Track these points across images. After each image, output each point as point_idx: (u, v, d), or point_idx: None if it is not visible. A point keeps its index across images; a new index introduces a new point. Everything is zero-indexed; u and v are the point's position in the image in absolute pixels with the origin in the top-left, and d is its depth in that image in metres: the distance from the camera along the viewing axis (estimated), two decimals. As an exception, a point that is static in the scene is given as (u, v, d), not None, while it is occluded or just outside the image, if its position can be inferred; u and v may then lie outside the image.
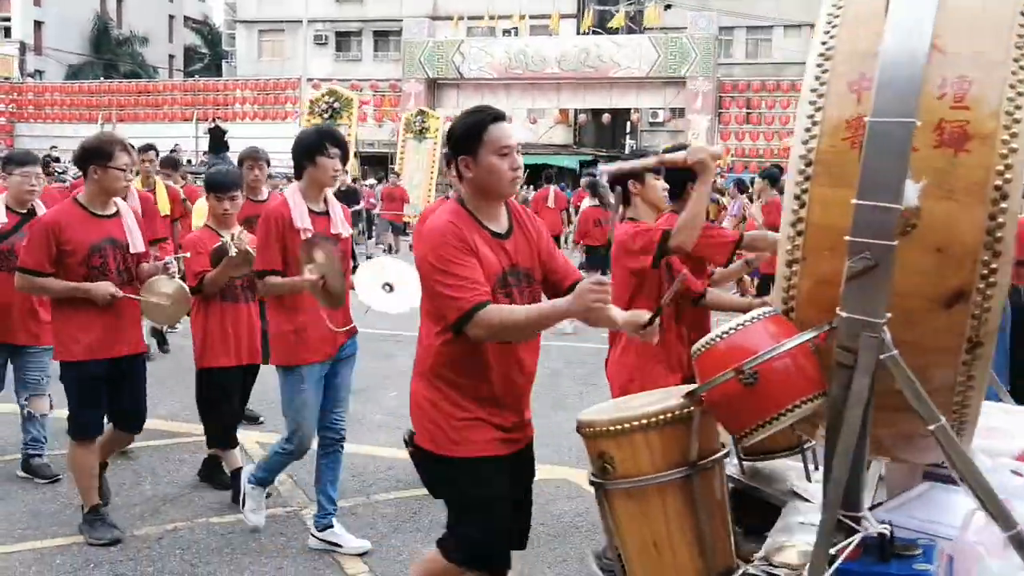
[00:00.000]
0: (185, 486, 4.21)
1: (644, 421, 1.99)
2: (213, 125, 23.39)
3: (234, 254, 3.74)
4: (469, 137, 2.28)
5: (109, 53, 37.15)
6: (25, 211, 4.22)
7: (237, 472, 3.97)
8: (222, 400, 4.04)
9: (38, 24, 35.32)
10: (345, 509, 3.86)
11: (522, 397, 2.40)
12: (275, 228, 3.37)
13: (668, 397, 2.12)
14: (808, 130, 1.89)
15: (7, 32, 34.49)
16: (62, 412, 4.53)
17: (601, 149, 29.53)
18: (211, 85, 28.53)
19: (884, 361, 1.70)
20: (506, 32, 27.37)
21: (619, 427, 2.00)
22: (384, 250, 15.05)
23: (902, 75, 1.66)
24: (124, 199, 4.27)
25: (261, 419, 5.12)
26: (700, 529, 1.99)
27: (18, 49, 32.88)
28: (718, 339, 1.92)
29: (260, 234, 3.42)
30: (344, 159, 3.52)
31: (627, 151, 26.87)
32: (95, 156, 3.52)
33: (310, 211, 3.43)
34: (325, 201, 3.53)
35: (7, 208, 4.20)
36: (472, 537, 2.36)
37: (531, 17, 26.51)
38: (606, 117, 26.33)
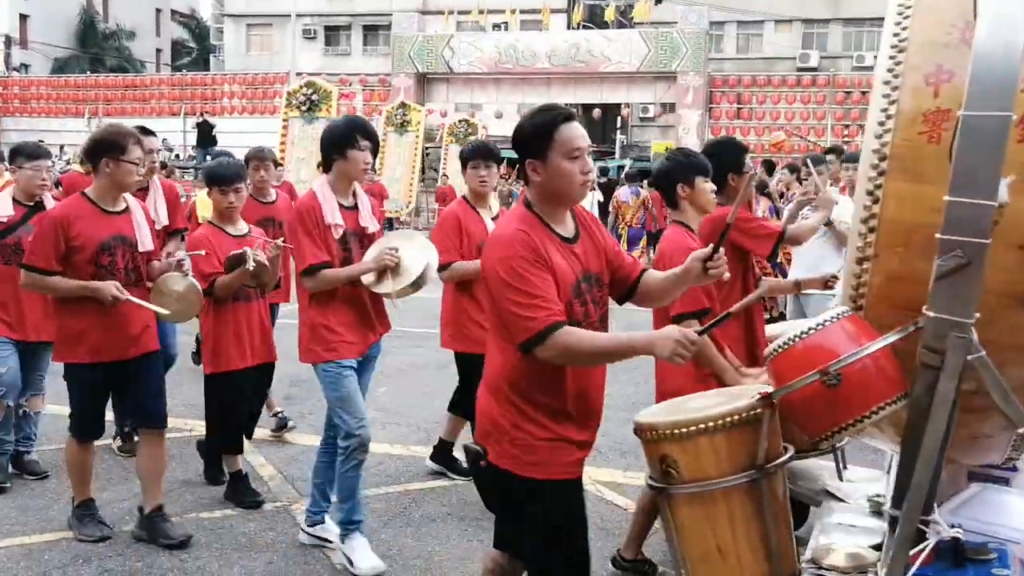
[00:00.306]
0: (174, 482, 4.18)
1: (710, 424, 1.94)
2: (201, 120, 23.30)
3: (252, 267, 3.65)
4: (538, 138, 2.14)
5: (95, 47, 36.84)
6: (32, 204, 4.10)
7: (237, 475, 4.02)
8: (239, 403, 3.97)
9: (23, 17, 34.95)
10: (336, 504, 3.86)
11: (598, 415, 2.29)
12: (310, 220, 3.25)
13: (731, 399, 2.08)
14: (881, 124, 1.84)
15: (-8, 26, 34.13)
16: (53, 407, 4.53)
17: (592, 144, 29.43)
18: (199, 79, 28.33)
19: (971, 362, 1.66)
20: (496, 26, 27.31)
21: (684, 430, 1.96)
22: None
23: (997, 68, 1.60)
24: (146, 189, 4.23)
25: (292, 424, 5.01)
26: (767, 534, 1.96)
27: (3, 43, 32.57)
28: (795, 340, 1.87)
29: (298, 230, 3.27)
30: (375, 151, 3.41)
31: (618, 146, 26.90)
32: (108, 149, 3.38)
33: (340, 206, 3.33)
34: (354, 195, 3.42)
35: (14, 200, 4.09)
36: (559, 565, 2.24)
37: (521, 11, 26.43)
38: (596, 112, 26.30)
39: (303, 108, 12.49)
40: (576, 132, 2.15)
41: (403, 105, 18.67)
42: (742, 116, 24.39)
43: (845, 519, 2.74)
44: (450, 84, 26.62)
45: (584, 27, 26.78)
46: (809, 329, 1.87)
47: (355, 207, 3.41)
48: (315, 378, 3.44)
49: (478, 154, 4.07)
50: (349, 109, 21.42)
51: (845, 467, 2.76)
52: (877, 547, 2.51)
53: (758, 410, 1.92)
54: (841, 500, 2.89)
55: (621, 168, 18.60)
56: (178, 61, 41.85)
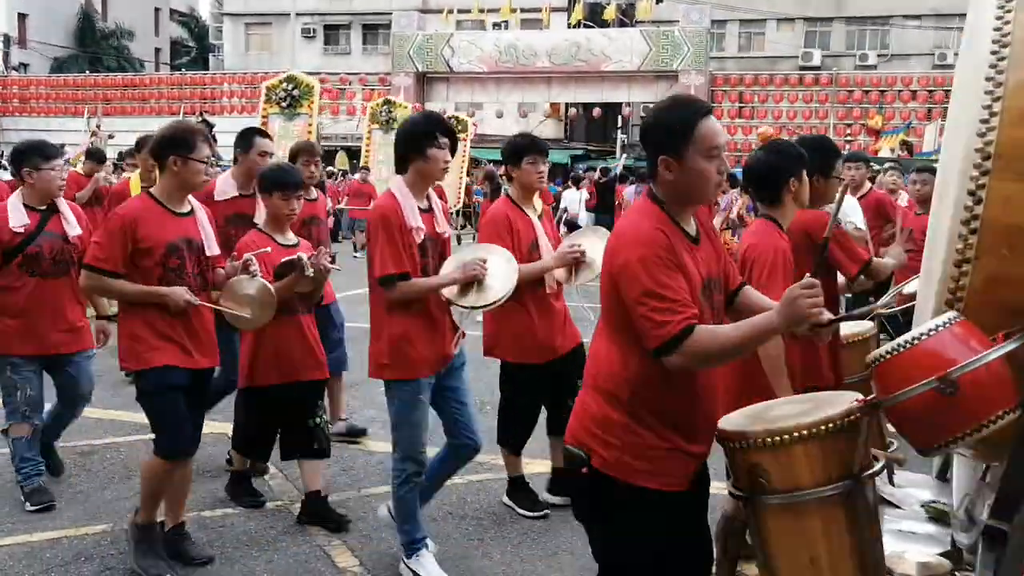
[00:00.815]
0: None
1: (804, 432, 1.88)
2: (200, 119, 23.29)
3: (311, 273, 3.46)
4: (674, 134, 1.99)
5: (94, 46, 36.82)
6: (45, 207, 3.87)
7: (241, 474, 3.99)
8: (272, 421, 3.76)
9: (22, 17, 34.93)
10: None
11: (715, 425, 2.14)
12: (394, 224, 3.05)
13: (819, 405, 2.01)
14: (985, 121, 1.78)
15: (-10, 25, 34.15)
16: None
17: (592, 143, 29.55)
18: (198, 79, 28.34)
19: None
20: (496, 25, 27.28)
21: (776, 439, 1.89)
22: (353, 251, 14.78)
23: None
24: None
25: (367, 430, 4.91)
26: (861, 545, 1.91)
27: (2, 42, 32.56)
28: (904, 347, 1.80)
29: (379, 234, 3.06)
30: (453, 150, 3.22)
31: (619, 145, 26.90)
32: (175, 146, 3.18)
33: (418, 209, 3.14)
34: (427, 198, 3.23)
35: (25, 206, 3.82)
36: None
37: (522, 10, 26.41)
38: (596, 111, 26.33)
39: (283, 104, 11.46)
40: (716, 128, 2.01)
41: (388, 102, 17.82)
42: (744, 115, 24.41)
43: (904, 526, 2.72)
44: (450, 83, 26.61)
45: (585, 26, 26.77)
46: (921, 335, 1.79)
47: (430, 210, 3.21)
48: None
49: (535, 148, 3.80)
50: (332, 108, 20.67)
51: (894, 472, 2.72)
52: (944, 555, 2.50)
53: (852, 418, 1.87)
54: (896, 506, 2.85)
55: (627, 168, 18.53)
56: (177, 60, 41.85)
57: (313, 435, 3.69)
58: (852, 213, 5.54)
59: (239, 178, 4.13)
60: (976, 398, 1.72)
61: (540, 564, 3.42)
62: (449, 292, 3.17)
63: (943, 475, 3.29)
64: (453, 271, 3.17)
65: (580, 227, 17.28)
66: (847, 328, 3.41)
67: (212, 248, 3.33)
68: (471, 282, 3.17)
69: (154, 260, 3.15)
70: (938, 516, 2.94)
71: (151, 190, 3.33)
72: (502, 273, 3.25)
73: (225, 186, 4.09)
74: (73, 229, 3.86)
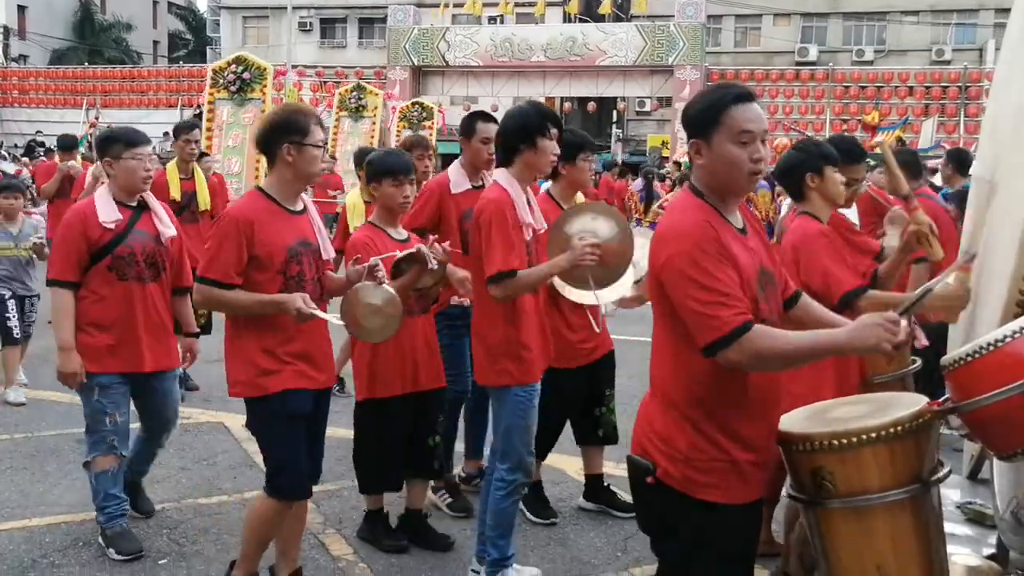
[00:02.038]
0: (171, 467, 4.26)
1: (873, 435, 1.81)
2: (198, 111, 23.26)
3: (435, 267, 3.13)
4: (704, 116, 1.94)
5: (93, 39, 36.75)
6: (135, 203, 3.41)
7: (412, 514, 3.48)
8: (396, 436, 3.35)
9: (21, 8, 34.88)
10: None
11: (775, 431, 2.02)
12: (510, 219, 2.87)
13: (881, 407, 1.97)
14: None
15: (-10, 16, 34.09)
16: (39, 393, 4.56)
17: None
18: (195, 71, 28.29)
19: None
20: (492, 19, 27.31)
21: (844, 441, 1.82)
22: None
23: None
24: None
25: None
26: (928, 551, 1.86)
27: (2, 33, 32.50)
28: (987, 350, 1.77)
29: (492, 229, 2.85)
30: (559, 142, 3.05)
31: (614, 140, 26.93)
32: (287, 132, 2.75)
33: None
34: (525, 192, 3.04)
35: (116, 202, 3.36)
36: None
37: (517, 4, 26.42)
38: (591, 106, 26.34)
39: (232, 88, 10.16)
40: (750, 114, 1.92)
41: (359, 87, 16.37)
42: (739, 110, 24.41)
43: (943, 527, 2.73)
44: (445, 77, 26.63)
45: (580, 20, 26.79)
46: (1004, 337, 1.75)
47: (529, 204, 3.02)
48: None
49: (589, 145, 3.62)
50: (328, 102, 19.65)
51: None
52: (990, 557, 2.49)
53: (921, 420, 1.82)
54: None
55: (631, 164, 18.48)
56: (175, 53, 41.77)
57: (434, 453, 3.43)
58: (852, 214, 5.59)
59: (467, 167, 3.70)
60: None
61: (532, 555, 3.47)
62: (561, 285, 3.00)
63: (974, 476, 3.25)
64: (560, 257, 2.92)
65: None
66: None
67: (328, 251, 2.92)
68: (583, 272, 2.92)
69: (274, 269, 2.74)
70: (976, 518, 2.89)
71: (261, 185, 2.88)
72: (624, 256, 2.99)
73: (458, 177, 3.71)
74: (167, 229, 3.42)
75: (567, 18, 27.60)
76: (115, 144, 3.35)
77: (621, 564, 3.41)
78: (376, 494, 3.49)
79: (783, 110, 24.07)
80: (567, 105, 28.12)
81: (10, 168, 14.49)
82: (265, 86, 10.08)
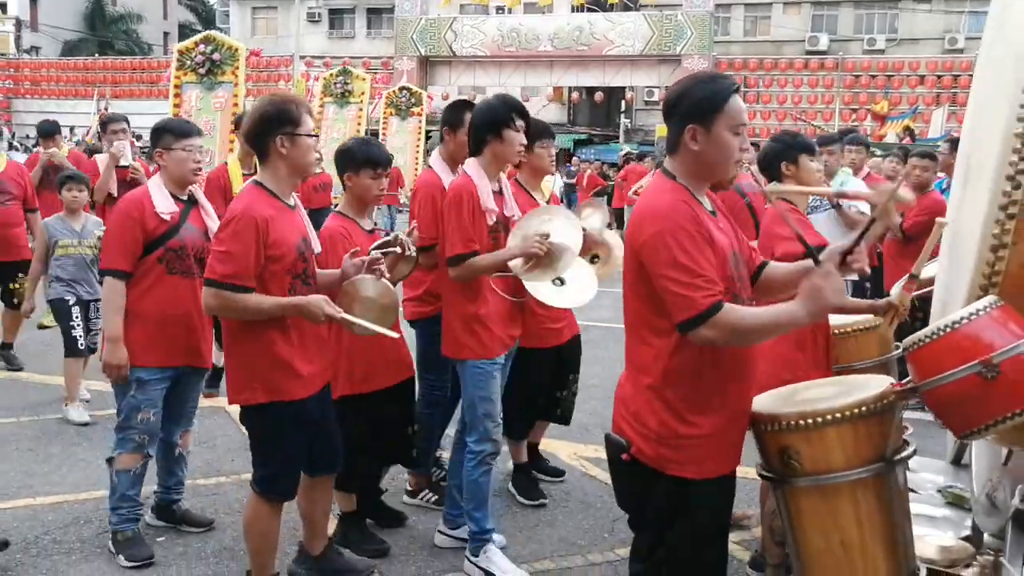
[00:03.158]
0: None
1: (838, 415, 1.86)
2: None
3: (413, 253, 3.15)
4: (707, 104, 2.00)
5: (104, 30, 37.00)
6: (186, 197, 3.33)
7: (351, 516, 3.39)
8: (378, 429, 3.30)
9: (34, 1, 35.16)
10: (466, 514, 3.81)
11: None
12: (468, 205, 3.00)
13: (850, 388, 2.01)
14: None
15: (3, 8, 34.34)
16: (36, 375, 4.51)
17: (595, 128, 29.51)
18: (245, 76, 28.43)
19: None
20: (499, 9, 27.25)
21: (810, 421, 1.87)
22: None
23: None
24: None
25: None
26: (892, 528, 1.90)
27: (14, 25, 32.77)
28: (943, 332, 1.80)
29: (452, 215, 3.00)
30: (527, 134, 3.16)
31: (622, 130, 26.87)
32: (279, 123, 2.65)
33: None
34: (498, 180, 3.16)
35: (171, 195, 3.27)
36: (704, 567, 2.09)
37: (525, -7, 26.41)
38: (599, 95, 26.27)
39: (201, 71, 9.17)
40: (743, 107, 2.04)
41: (344, 72, 15.28)
42: (748, 100, 24.28)
43: (921, 510, 2.71)
44: (452, 67, 26.64)
45: (588, 9, 26.71)
46: (961, 319, 1.79)
47: (500, 193, 3.17)
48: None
49: (547, 132, 3.77)
50: (305, 89, 19.12)
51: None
52: (965, 539, 2.51)
53: (885, 401, 1.86)
54: (912, 491, 2.80)
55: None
56: (185, 44, 42.00)
57: (411, 442, 3.45)
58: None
59: (449, 161, 3.59)
60: (1017, 383, 1.71)
61: (521, 535, 3.54)
62: (516, 268, 3.09)
63: (957, 460, 3.28)
64: (514, 245, 3.07)
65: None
66: (852, 317, 3.47)
67: (317, 245, 2.87)
68: (536, 257, 3.06)
69: (285, 266, 2.66)
70: (955, 501, 2.93)
71: (259, 179, 2.75)
72: (569, 240, 3.15)
73: (443, 173, 3.58)
74: (215, 223, 3.26)
75: (574, 7, 27.52)
76: (166, 135, 3.28)
77: (607, 545, 3.48)
78: (354, 491, 3.41)
79: (792, 100, 23.96)
80: (575, 95, 28.09)
81: (21, 159, 14.61)
82: (237, 68, 9.03)
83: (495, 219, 3.09)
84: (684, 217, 1.94)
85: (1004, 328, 1.76)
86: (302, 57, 26.19)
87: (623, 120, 27.28)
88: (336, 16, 32.08)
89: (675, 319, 1.93)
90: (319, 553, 3.04)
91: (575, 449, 4.59)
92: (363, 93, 14.94)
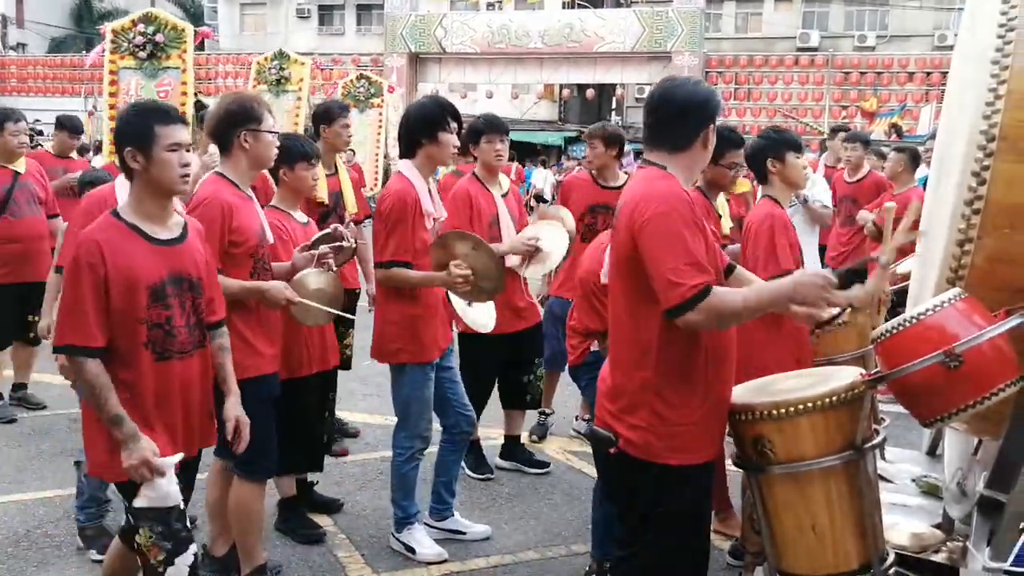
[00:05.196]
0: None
1: (810, 404, 1.92)
2: (195, 100, 23.19)
3: (352, 244, 3.26)
4: (715, 110, 2.16)
5: (91, 27, 36.75)
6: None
7: (292, 501, 3.52)
8: (311, 415, 3.42)
9: (19, -3, 34.92)
10: (393, 499, 3.92)
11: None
12: (408, 210, 3.08)
13: (823, 379, 2.06)
14: (990, 104, 1.81)
15: (-11, 5, 34.10)
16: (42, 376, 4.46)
17: (587, 125, 29.50)
18: (197, 59, 28.33)
19: None
20: (489, 5, 27.23)
21: (782, 411, 1.93)
22: None
23: None
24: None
25: (357, 431, 4.75)
26: (862, 514, 1.96)
27: (0, 22, 32.53)
28: (909, 323, 1.85)
29: (388, 217, 3.08)
30: (459, 135, 3.23)
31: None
32: (242, 121, 2.82)
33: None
34: (428, 181, 3.25)
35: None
36: (692, 554, 2.14)
37: (515, -10, 26.38)
38: (590, 92, 26.30)
39: (141, 54, 7.96)
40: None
41: (280, 55, 13.21)
42: (739, 97, 24.36)
43: (896, 499, 2.79)
44: (442, 64, 26.58)
45: (578, 6, 26.72)
46: (926, 311, 1.84)
47: (429, 193, 3.24)
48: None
49: (493, 127, 3.88)
50: (325, 89, 17.71)
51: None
52: (936, 526, 2.60)
53: (855, 391, 1.92)
54: (888, 480, 2.92)
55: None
56: (174, 40, 41.76)
57: (322, 444, 3.63)
58: (821, 193, 5.71)
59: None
60: (979, 372, 1.77)
61: (507, 527, 3.62)
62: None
63: (933, 451, 3.36)
64: (436, 275, 3.17)
65: (547, 200, 17.18)
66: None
67: (271, 236, 2.99)
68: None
69: (247, 251, 2.82)
70: (929, 490, 3.01)
71: (221, 171, 2.92)
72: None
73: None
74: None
75: (565, 4, 27.52)
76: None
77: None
78: (298, 474, 3.54)
79: (782, 97, 24.02)
80: (566, 92, 28.10)
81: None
82: (184, 51, 7.97)
83: (433, 222, 3.20)
84: (681, 203, 2.00)
85: (968, 320, 1.82)
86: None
87: (614, 117, 27.31)
88: (326, 12, 31.96)
89: (664, 304, 1.96)
90: (251, 570, 2.97)
91: (561, 443, 4.65)
92: (301, 80, 12.73)
